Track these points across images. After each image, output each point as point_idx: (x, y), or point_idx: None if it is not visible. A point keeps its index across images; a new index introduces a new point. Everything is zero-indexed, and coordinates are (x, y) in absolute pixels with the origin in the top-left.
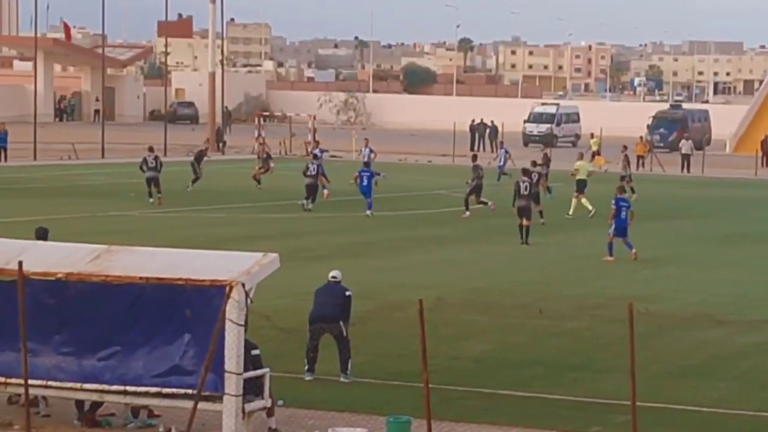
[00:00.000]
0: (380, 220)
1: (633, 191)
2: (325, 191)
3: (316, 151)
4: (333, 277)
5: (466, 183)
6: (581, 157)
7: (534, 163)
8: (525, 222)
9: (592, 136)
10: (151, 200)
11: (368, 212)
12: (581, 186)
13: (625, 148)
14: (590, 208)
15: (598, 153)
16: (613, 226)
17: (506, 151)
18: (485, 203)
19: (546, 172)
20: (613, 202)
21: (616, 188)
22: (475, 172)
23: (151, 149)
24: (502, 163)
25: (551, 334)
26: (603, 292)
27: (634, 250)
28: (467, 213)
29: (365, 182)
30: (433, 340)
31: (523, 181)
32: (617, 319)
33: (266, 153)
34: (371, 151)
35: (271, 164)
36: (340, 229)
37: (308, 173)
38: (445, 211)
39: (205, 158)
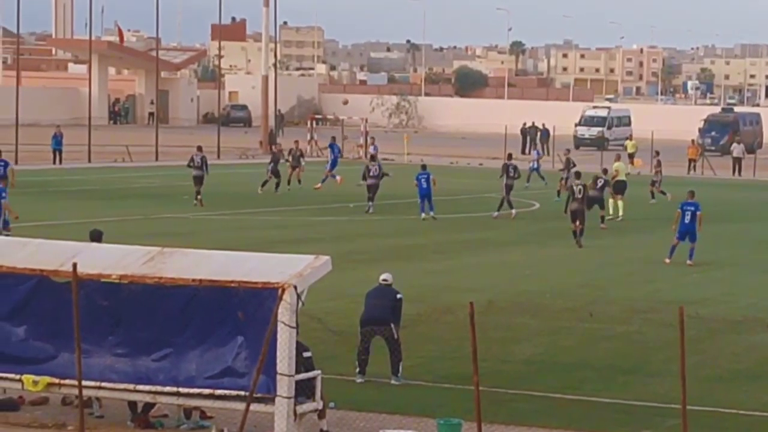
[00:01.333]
0: (431, 223)
1: (664, 193)
2: (338, 177)
3: (332, 144)
4: (384, 279)
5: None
6: (618, 158)
7: (605, 171)
8: (578, 225)
9: (629, 138)
10: (195, 201)
11: (431, 213)
12: (620, 187)
13: (657, 153)
14: (620, 213)
15: (632, 155)
16: (678, 230)
17: (538, 153)
18: (508, 204)
19: (567, 176)
20: (678, 205)
21: (687, 192)
22: (505, 170)
23: (199, 148)
24: (536, 166)
25: (602, 338)
26: (654, 296)
27: (689, 262)
28: (513, 212)
29: (425, 185)
30: (484, 343)
31: (577, 185)
32: (668, 322)
33: (300, 151)
34: (376, 148)
35: (302, 163)
36: (391, 232)
37: (370, 174)
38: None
39: (281, 160)
